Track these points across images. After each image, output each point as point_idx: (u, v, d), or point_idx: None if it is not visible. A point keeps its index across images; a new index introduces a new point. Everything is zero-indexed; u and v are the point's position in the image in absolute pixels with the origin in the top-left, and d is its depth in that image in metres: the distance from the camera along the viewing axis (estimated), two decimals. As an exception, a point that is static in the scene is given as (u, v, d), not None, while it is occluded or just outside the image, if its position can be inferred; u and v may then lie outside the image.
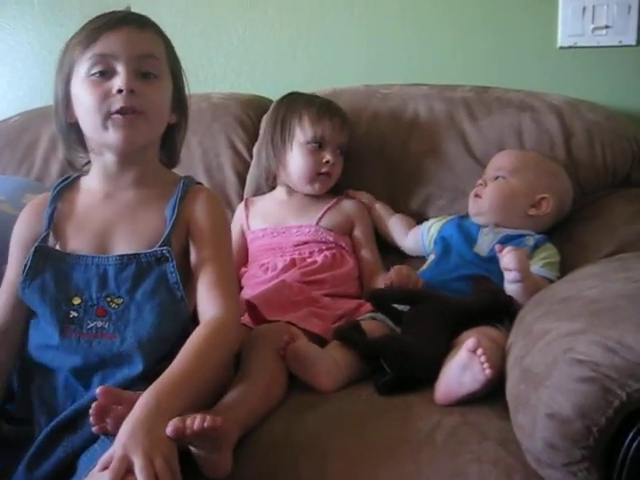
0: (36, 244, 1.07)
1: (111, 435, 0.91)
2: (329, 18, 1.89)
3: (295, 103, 1.61)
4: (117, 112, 1.04)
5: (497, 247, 1.26)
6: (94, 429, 0.92)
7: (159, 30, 1.12)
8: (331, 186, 1.60)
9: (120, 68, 1.05)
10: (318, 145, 1.54)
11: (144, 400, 0.90)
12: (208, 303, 1.06)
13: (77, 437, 0.97)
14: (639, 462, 0.82)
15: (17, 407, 1.05)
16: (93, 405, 0.91)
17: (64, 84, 1.09)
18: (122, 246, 1.08)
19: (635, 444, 0.82)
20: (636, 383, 0.81)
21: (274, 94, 1.76)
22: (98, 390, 0.92)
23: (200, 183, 1.20)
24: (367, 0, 1.86)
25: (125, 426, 0.87)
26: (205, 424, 0.86)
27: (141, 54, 1.06)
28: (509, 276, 1.24)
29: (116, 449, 0.85)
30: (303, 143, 1.55)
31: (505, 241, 1.37)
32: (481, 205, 1.45)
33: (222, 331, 1.03)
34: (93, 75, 1.05)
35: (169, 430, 0.87)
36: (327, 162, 1.54)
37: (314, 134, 1.54)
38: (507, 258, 1.23)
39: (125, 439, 0.86)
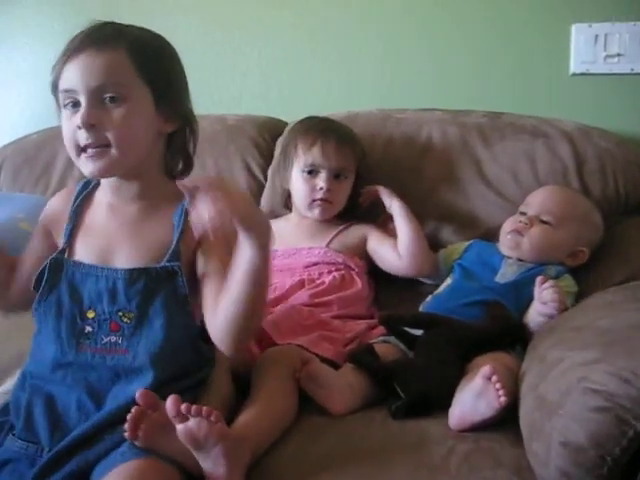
0: (51, 257, 1.08)
1: (140, 445, 0.94)
2: (345, 42, 1.91)
3: (296, 130, 1.63)
4: (83, 150, 1.04)
5: (539, 278, 1.26)
6: (127, 435, 0.93)
7: (123, 43, 1.04)
8: (335, 212, 1.59)
9: (82, 101, 1.03)
10: (311, 172, 1.55)
11: None
12: None
13: (91, 452, 0.97)
14: (652, 492, 0.83)
15: (22, 428, 1.04)
16: (133, 409, 0.93)
17: (59, 110, 1.10)
18: (127, 259, 1.07)
19: (649, 475, 0.83)
20: (650, 414, 0.82)
21: (289, 117, 1.78)
22: (138, 393, 0.94)
23: None
24: (383, 24, 1.88)
25: None
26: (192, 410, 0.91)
27: (99, 84, 1.02)
28: (545, 310, 1.23)
29: None
30: (299, 171, 1.57)
31: (529, 271, 1.39)
32: (520, 243, 1.43)
33: None
34: (66, 107, 1.06)
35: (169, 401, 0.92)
36: (321, 189, 1.55)
37: (305, 162, 1.55)
38: (549, 293, 1.23)
39: None
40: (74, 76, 1.03)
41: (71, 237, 1.11)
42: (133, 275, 1.04)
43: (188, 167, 1.16)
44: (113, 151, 1.03)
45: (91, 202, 1.15)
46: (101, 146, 1.03)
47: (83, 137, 1.02)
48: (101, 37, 1.04)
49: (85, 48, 1.03)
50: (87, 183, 1.16)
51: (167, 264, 1.05)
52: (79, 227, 1.12)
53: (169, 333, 1.04)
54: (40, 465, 0.97)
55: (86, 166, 1.04)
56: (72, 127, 1.04)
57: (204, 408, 0.92)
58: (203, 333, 1.11)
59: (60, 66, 1.05)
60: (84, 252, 1.09)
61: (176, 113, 1.10)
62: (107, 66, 1.03)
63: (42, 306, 1.07)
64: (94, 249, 1.09)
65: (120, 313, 1.04)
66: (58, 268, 1.08)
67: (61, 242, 1.11)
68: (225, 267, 1.01)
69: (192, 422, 0.92)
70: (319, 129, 1.58)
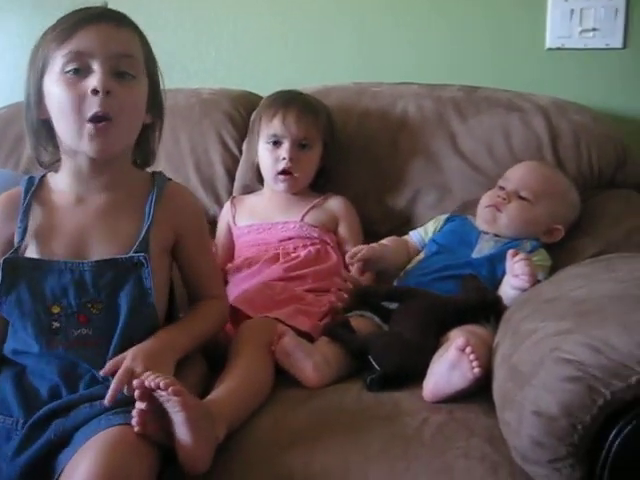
0: (4, 257, 1.04)
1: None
2: (320, 14, 1.90)
3: (262, 103, 1.64)
4: (91, 119, 1.01)
5: (510, 252, 1.26)
6: (135, 421, 0.91)
7: (136, 28, 1.09)
8: (302, 185, 1.59)
9: (96, 66, 1.02)
10: (275, 143, 1.55)
11: (162, 336, 1.06)
12: (210, 288, 1.19)
13: (69, 420, 0.97)
14: (621, 458, 0.84)
15: None
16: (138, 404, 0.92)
17: (37, 79, 1.06)
18: (99, 250, 1.06)
19: (618, 441, 0.84)
20: (620, 382, 0.83)
21: (264, 90, 1.76)
22: (135, 382, 0.92)
23: (170, 179, 1.18)
24: (359, -3, 1.87)
25: (139, 349, 1.01)
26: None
27: (118, 53, 1.03)
28: (517, 283, 1.23)
29: (125, 362, 0.99)
30: (264, 142, 1.57)
31: (504, 245, 1.39)
32: (498, 218, 1.43)
33: (223, 313, 1.20)
34: (68, 72, 1.02)
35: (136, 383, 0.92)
36: (284, 159, 1.54)
37: (268, 132, 1.55)
38: (520, 266, 1.23)
39: (134, 356, 1.00)
40: (93, 40, 1.02)
41: (27, 236, 1.07)
42: (101, 266, 1.04)
43: (150, 161, 1.19)
44: (118, 127, 1.03)
45: (48, 193, 1.11)
46: (106, 119, 1.02)
47: (94, 104, 1.01)
48: (119, 16, 1.07)
49: (105, 19, 1.05)
50: (30, 179, 1.13)
51: (134, 255, 1.05)
52: (39, 222, 1.09)
53: (132, 323, 1.04)
54: (18, 440, 0.96)
55: (90, 142, 1.03)
56: (78, 93, 1.02)
57: (161, 383, 0.90)
58: (170, 317, 1.14)
59: (72, 28, 1.03)
60: (53, 248, 1.07)
61: (155, 107, 1.13)
62: (127, 40, 1.06)
63: (3, 307, 1.05)
64: (65, 243, 1.07)
65: (89, 304, 1.03)
66: (13, 268, 1.04)
67: (15, 242, 1.07)
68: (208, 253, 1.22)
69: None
70: (282, 100, 1.59)
